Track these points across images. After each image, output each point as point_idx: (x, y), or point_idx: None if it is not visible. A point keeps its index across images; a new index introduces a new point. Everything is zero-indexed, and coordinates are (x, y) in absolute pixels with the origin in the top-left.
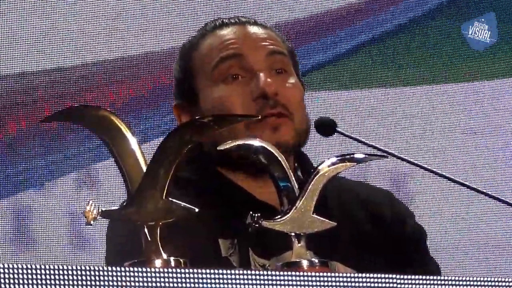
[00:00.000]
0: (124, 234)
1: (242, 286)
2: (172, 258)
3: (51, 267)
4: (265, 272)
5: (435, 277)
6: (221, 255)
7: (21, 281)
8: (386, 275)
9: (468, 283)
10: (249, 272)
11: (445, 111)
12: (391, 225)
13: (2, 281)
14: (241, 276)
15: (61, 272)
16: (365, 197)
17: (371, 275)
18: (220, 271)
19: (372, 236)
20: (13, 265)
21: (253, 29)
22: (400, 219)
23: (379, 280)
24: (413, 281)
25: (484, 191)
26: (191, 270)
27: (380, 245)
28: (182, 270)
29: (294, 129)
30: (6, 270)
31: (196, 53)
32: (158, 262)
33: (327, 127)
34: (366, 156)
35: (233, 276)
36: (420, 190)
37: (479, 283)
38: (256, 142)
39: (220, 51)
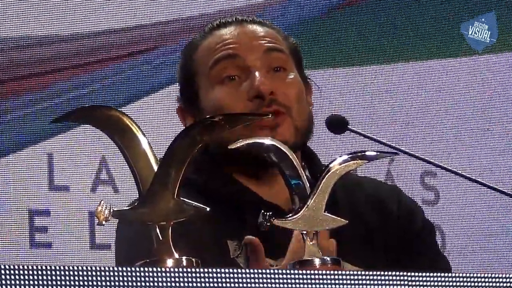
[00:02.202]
0: (133, 234)
1: (255, 285)
2: (184, 258)
3: (61, 267)
4: (278, 271)
5: (445, 274)
6: (229, 256)
7: (31, 282)
8: (396, 273)
9: (479, 279)
10: (261, 271)
11: (458, 110)
12: (399, 221)
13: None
14: (254, 275)
15: (71, 272)
16: (372, 193)
17: (381, 272)
18: (233, 270)
19: (380, 232)
20: (23, 266)
21: (251, 27)
22: (408, 214)
23: (389, 277)
24: (424, 278)
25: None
26: (203, 269)
27: (388, 242)
28: (195, 270)
29: (293, 125)
30: (17, 272)
31: (195, 55)
32: (170, 262)
33: (338, 125)
34: (378, 153)
35: (245, 275)
36: (433, 187)
37: (490, 279)
38: (267, 141)
39: (216, 52)
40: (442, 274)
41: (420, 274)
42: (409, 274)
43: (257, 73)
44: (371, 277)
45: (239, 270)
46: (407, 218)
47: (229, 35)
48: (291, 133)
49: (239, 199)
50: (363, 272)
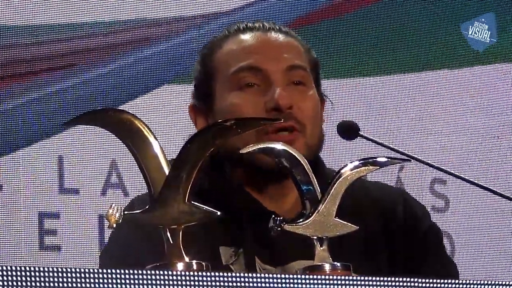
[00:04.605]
0: (134, 236)
1: None
2: (194, 262)
3: (70, 269)
4: (288, 276)
5: (453, 281)
6: (221, 263)
7: (39, 284)
8: (404, 278)
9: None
10: (273, 275)
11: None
12: (405, 225)
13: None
14: (265, 279)
15: (80, 275)
16: (377, 197)
17: (389, 278)
18: (243, 274)
19: (386, 236)
20: (33, 268)
21: (276, 38)
22: (414, 218)
23: (397, 283)
24: (431, 285)
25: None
26: (213, 273)
27: (394, 246)
28: (205, 273)
29: (305, 143)
30: (26, 273)
31: (216, 56)
32: (180, 265)
33: (350, 131)
34: (389, 159)
35: (255, 279)
36: (442, 194)
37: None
38: (279, 146)
39: (239, 60)
40: (449, 281)
41: (426, 280)
42: (416, 280)
43: (277, 86)
44: (379, 283)
45: (249, 274)
46: (413, 222)
47: (254, 42)
48: (303, 151)
49: (241, 206)
50: (372, 278)
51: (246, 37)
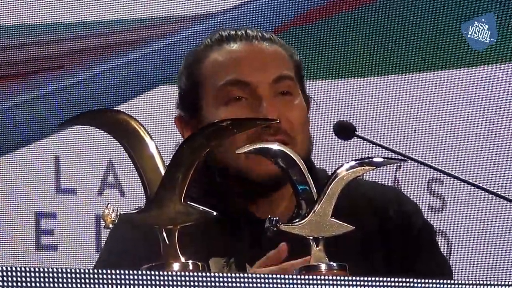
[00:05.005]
0: (131, 236)
1: None
2: (190, 262)
3: (67, 270)
4: (283, 276)
5: (448, 281)
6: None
7: (36, 284)
8: (401, 279)
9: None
10: (268, 275)
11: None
12: (398, 224)
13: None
14: (260, 280)
15: (77, 275)
16: (371, 196)
17: (385, 278)
18: (239, 274)
19: (380, 236)
20: (29, 268)
21: (260, 48)
22: (408, 217)
23: (394, 283)
24: (427, 285)
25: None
26: (209, 274)
27: (389, 245)
28: (201, 274)
29: (295, 152)
30: (23, 274)
31: (201, 66)
32: (176, 266)
33: (346, 131)
34: (385, 160)
35: (251, 280)
36: (439, 194)
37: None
38: (275, 146)
39: (225, 73)
40: (445, 281)
41: (422, 280)
42: (411, 280)
43: (265, 100)
44: (375, 283)
45: (245, 275)
46: (406, 220)
47: (239, 54)
48: None
49: (232, 216)
50: (368, 278)
51: (231, 47)
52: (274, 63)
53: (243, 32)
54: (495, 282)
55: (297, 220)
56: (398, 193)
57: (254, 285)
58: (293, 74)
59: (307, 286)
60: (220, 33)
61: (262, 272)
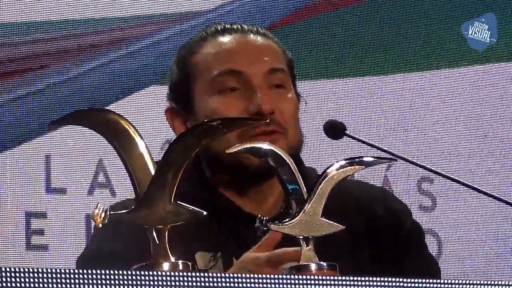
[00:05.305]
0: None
1: None
2: (180, 262)
3: (57, 270)
4: (273, 276)
5: (438, 281)
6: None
7: (27, 285)
8: (391, 279)
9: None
10: (258, 275)
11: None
12: (386, 223)
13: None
14: (250, 279)
15: (67, 275)
16: (359, 196)
17: (375, 278)
18: (230, 274)
19: (368, 235)
20: (19, 268)
21: (255, 40)
22: (396, 217)
23: (383, 283)
24: (416, 285)
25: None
26: (199, 273)
27: (377, 245)
28: (191, 273)
29: (287, 144)
30: (13, 274)
31: (194, 59)
32: (166, 266)
33: (336, 130)
34: (375, 159)
35: (242, 280)
36: (430, 193)
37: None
38: (265, 145)
39: (220, 63)
40: (434, 281)
41: (410, 280)
42: (400, 280)
43: (259, 91)
44: (365, 283)
45: (236, 275)
46: (394, 220)
47: (234, 46)
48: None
49: (219, 210)
50: (357, 278)
51: (226, 39)
52: (268, 55)
53: (238, 26)
54: (485, 282)
55: (287, 219)
56: (386, 192)
57: (244, 285)
58: (286, 68)
59: (297, 286)
60: (215, 26)
61: (253, 257)
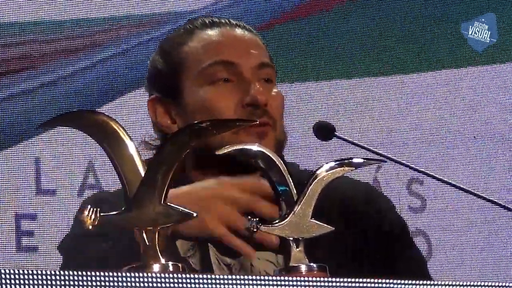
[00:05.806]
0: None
1: None
2: (170, 263)
3: (47, 272)
4: (263, 277)
5: (428, 282)
6: (179, 255)
7: (17, 287)
8: (383, 280)
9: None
10: (248, 277)
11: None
12: (371, 219)
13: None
14: (240, 281)
15: (57, 277)
16: (344, 192)
17: (364, 279)
18: (220, 276)
19: (353, 232)
20: (9, 270)
21: (243, 35)
22: (380, 212)
23: (375, 285)
24: (403, 286)
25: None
26: (189, 275)
27: (363, 241)
28: (181, 275)
29: (275, 138)
30: (3, 275)
31: (184, 50)
32: (156, 267)
33: (325, 131)
34: (365, 160)
35: (231, 281)
36: (419, 194)
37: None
38: (255, 147)
39: (211, 54)
40: (424, 282)
41: (397, 281)
42: (389, 281)
43: (253, 83)
44: (355, 284)
45: (226, 276)
46: (379, 216)
47: (225, 38)
48: (273, 144)
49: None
50: (347, 279)
51: (215, 32)
52: (257, 50)
53: (226, 20)
54: (475, 283)
55: (277, 221)
56: (371, 189)
57: (232, 286)
58: (272, 64)
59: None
60: (202, 19)
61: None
